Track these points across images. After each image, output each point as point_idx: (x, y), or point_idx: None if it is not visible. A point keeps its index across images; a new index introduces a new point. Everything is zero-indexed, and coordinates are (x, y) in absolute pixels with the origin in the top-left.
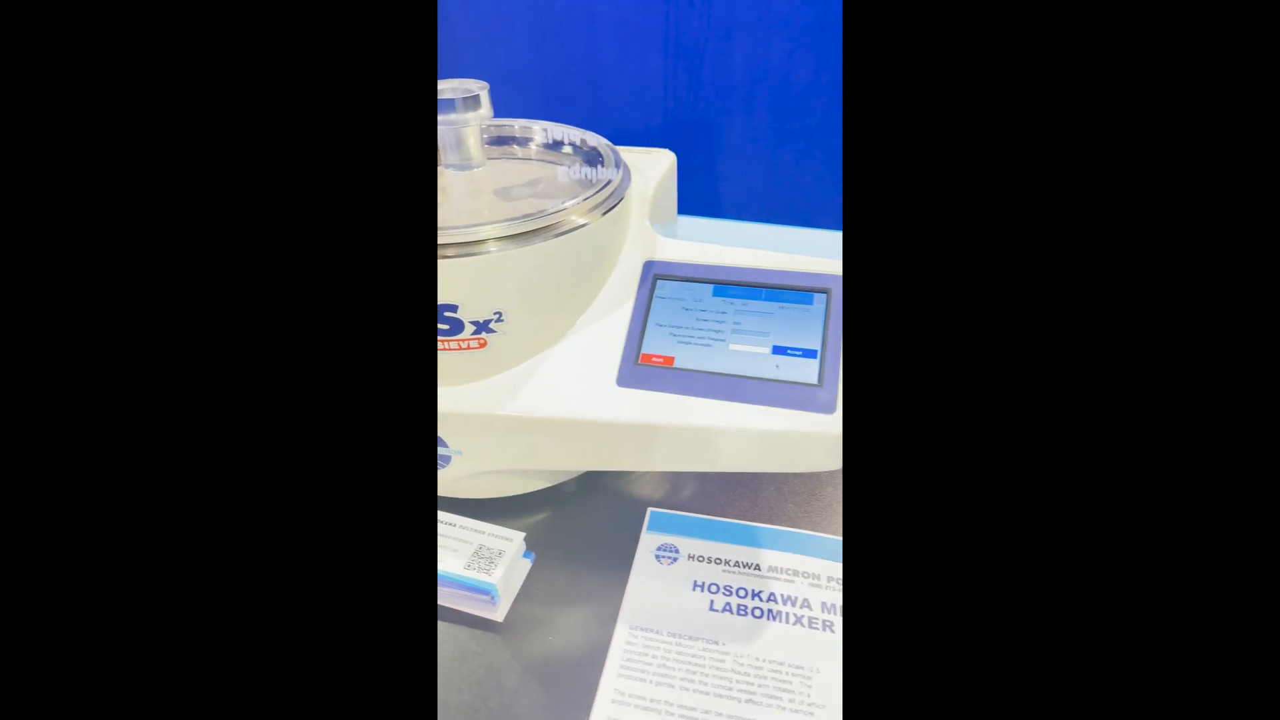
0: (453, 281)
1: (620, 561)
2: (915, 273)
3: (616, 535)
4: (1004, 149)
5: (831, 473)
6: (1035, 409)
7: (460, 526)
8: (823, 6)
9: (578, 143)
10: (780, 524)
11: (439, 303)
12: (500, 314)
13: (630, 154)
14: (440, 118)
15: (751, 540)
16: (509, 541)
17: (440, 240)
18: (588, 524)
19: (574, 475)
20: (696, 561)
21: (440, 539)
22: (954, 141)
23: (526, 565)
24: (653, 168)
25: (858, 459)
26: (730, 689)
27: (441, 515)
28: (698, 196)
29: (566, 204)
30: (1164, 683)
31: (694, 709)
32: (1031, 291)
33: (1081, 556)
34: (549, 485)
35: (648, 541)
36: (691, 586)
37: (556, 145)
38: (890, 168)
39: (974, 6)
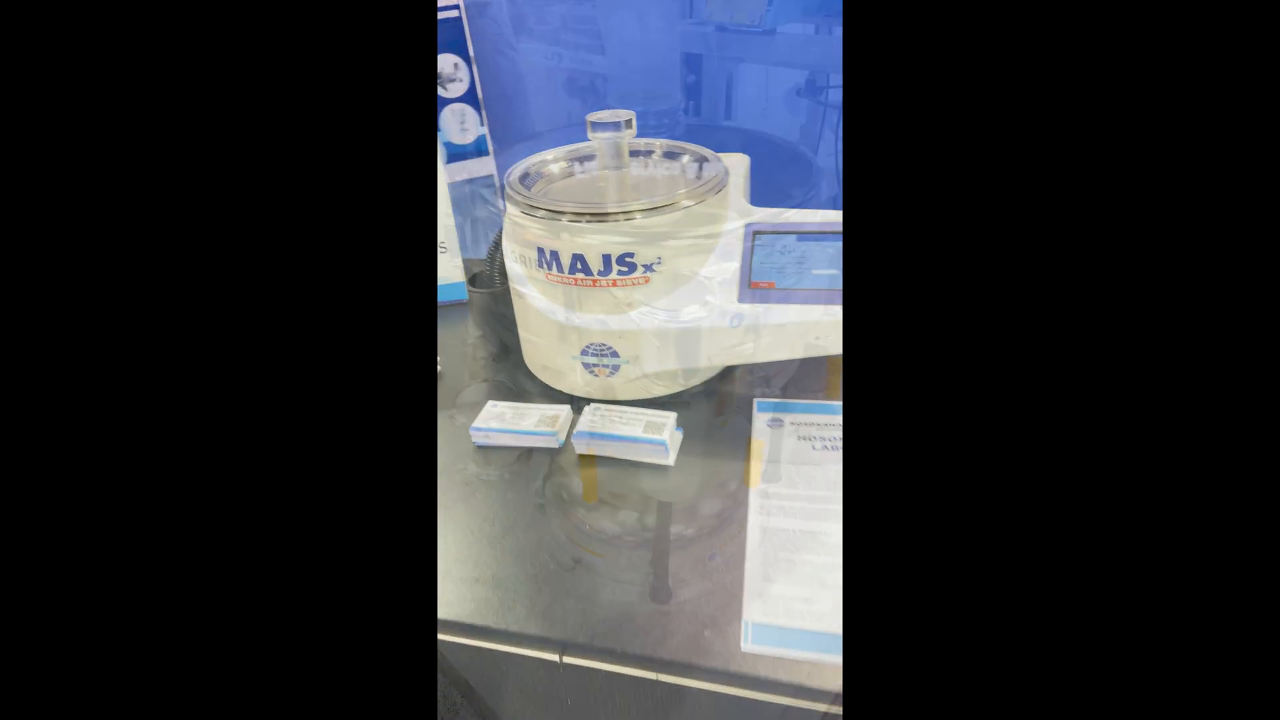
0: (627, 239)
1: (740, 432)
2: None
3: (735, 418)
4: (997, 152)
5: None
6: (1029, 397)
7: (632, 412)
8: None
9: (690, 151)
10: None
11: (622, 253)
12: (660, 259)
13: (722, 158)
14: (604, 135)
15: (828, 411)
16: (668, 417)
17: (617, 211)
18: (712, 413)
19: (707, 378)
20: (795, 425)
21: (620, 421)
22: (946, 149)
23: (679, 436)
24: (739, 165)
25: (857, 459)
26: (833, 486)
27: (616, 407)
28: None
29: (693, 187)
30: (1145, 639)
31: (816, 494)
32: (1021, 279)
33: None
34: (681, 389)
35: (760, 417)
36: (797, 438)
37: (675, 155)
38: (886, 169)
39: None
